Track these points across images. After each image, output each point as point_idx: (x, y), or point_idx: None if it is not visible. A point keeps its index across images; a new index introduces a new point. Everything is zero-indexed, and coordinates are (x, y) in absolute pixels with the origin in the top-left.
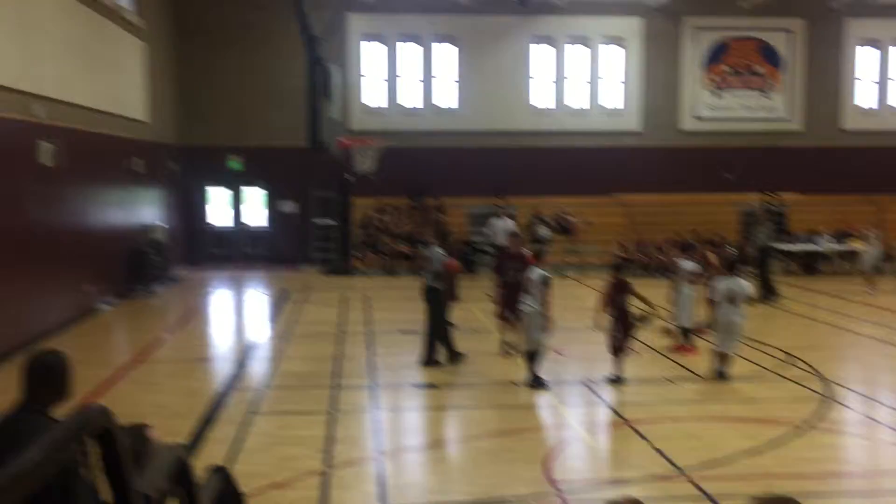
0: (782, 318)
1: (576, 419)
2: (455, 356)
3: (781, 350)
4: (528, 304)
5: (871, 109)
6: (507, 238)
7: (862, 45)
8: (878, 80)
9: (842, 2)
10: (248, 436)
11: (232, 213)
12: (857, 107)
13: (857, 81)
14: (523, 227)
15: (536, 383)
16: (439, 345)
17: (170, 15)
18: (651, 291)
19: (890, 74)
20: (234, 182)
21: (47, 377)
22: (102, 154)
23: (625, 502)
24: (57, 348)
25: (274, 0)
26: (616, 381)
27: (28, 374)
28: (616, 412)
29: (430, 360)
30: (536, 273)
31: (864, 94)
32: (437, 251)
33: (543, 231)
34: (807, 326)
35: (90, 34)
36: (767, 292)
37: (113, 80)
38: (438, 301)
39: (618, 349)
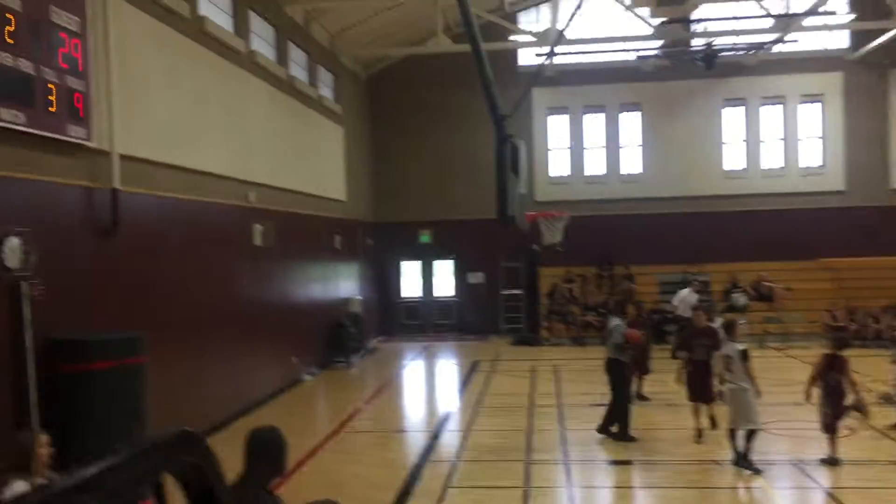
0: None
1: None
2: (625, 435)
3: None
4: (729, 381)
5: None
6: (690, 311)
7: None
8: None
9: None
10: None
11: (423, 284)
12: None
13: None
14: (720, 294)
15: (745, 464)
16: (615, 418)
17: (364, 100)
18: (866, 362)
19: None
20: (424, 255)
21: (266, 453)
22: (306, 233)
23: None
24: (273, 424)
25: (462, 81)
26: (831, 462)
27: (248, 450)
28: (835, 499)
29: (623, 436)
30: (731, 348)
31: None
32: (618, 322)
33: (741, 299)
34: None
35: (296, 123)
36: None
37: (316, 165)
38: (621, 373)
39: (830, 427)
